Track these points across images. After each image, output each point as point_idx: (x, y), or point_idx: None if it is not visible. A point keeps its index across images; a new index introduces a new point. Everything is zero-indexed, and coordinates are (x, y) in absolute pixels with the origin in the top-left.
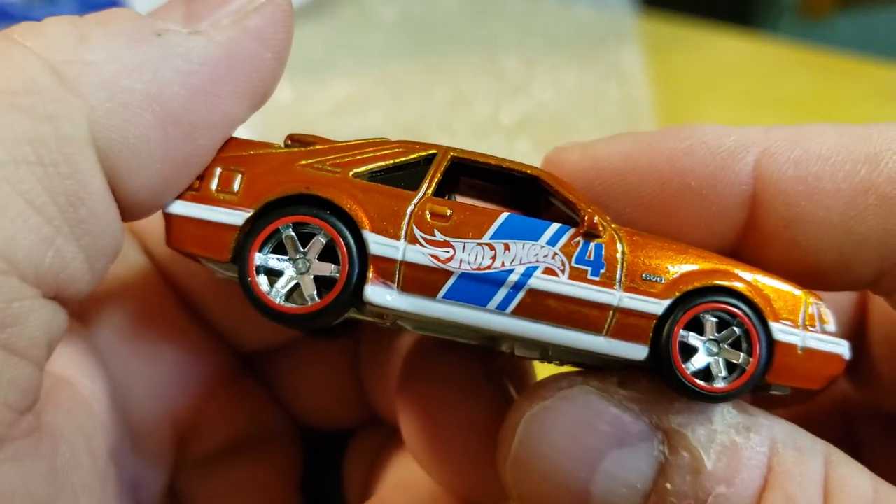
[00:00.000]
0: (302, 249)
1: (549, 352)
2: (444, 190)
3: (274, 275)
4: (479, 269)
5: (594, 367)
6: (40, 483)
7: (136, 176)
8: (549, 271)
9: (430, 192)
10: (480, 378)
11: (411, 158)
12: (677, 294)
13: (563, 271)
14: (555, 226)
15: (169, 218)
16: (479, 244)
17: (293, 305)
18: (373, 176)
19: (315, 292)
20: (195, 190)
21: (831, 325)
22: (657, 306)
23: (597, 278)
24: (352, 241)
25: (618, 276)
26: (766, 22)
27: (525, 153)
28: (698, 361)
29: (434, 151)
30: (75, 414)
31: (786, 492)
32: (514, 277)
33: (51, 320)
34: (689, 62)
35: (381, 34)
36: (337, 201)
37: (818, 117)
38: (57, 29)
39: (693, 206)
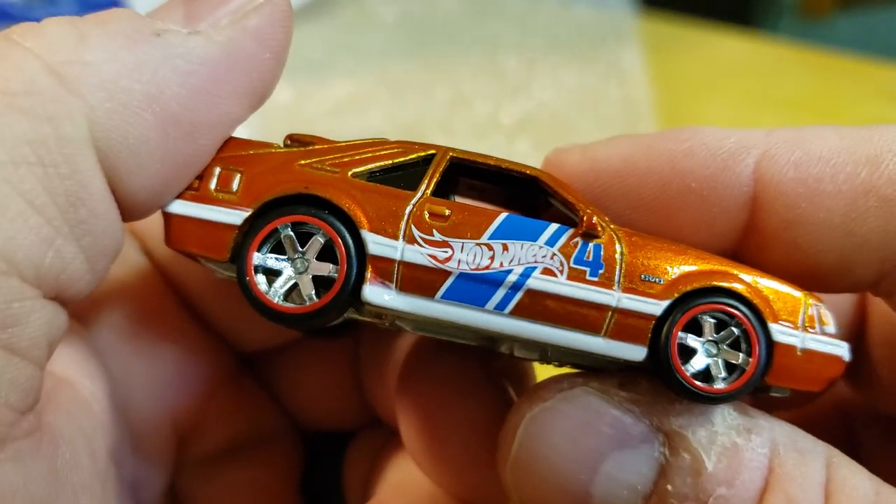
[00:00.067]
0: (300, 249)
1: (548, 353)
2: (444, 190)
3: (272, 274)
4: (477, 269)
5: (594, 369)
6: (41, 483)
7: (135, 176)
8: (547, 272)
9: (428, 192)
10: (480, 379)
11: (410, 159)
12: (676, 295)
13: (561, 272)
14: (553, 226)
15: (168, 217)
16: (478, 244)
17: (291, 305)
18: (372, 176)
19: (313, 292)
20: (194, 190)
21: (831, 327)
22: (656, 307)
23: (595, 279)
24: (350, 241)
25: (616, 277)
26: (766, 22)
27: (525, 153)
28: (697, 363)
29: (433, 152)
30: (76, 414)
31: (787, 493)
32: (512, 278)
33: (51, 320)
34: (689, 62)
35: (381, 34)
36: (336, 201)
37: (818, 117)
38: (56, 29)
39: (693, 207)
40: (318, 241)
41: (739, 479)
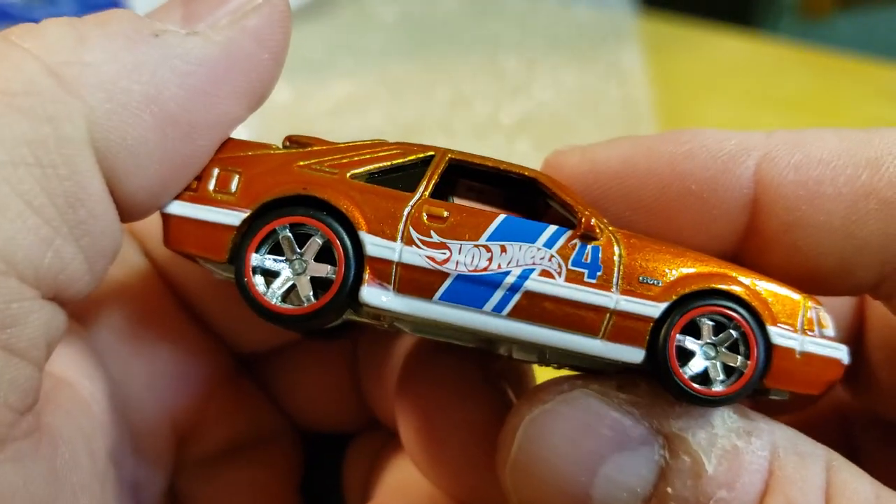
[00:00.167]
0: (299, 250)
1: (547, 355)
2: (443, 192)
3: (270, 275)
4: (475, 270)
5: (592, 371)
6: (40, 483)
7: (134, 177)
8: (545, 273)
9: (426, 193)
10: (478, 381)
11: (409, 160)
12: (674, 297)
13: (559, 273)
14: (552, 228)
15: (166, 218)
16: (476, 246)
17: (289, 306)
18: (370, 177)
19: (311, 293)
20: (193, 190)
21: (830, 330)
22: (654, 309)
23: (593, 281)
24: (348, 243)
25: (614, 279)
26: (766, 22)
27: (525, 153)
28: (696, 365)
29: (432, 153)
30: (75, 415)
31: (787, 496)
32: (510, 279)
33: (50, 321)
34: (689, 62)
35: (381, 34)
36: (334, 202)
37: (818, 117)
38: (55, 30)
39: (693, 209)
40: (317, 242)
41: (740, 482)
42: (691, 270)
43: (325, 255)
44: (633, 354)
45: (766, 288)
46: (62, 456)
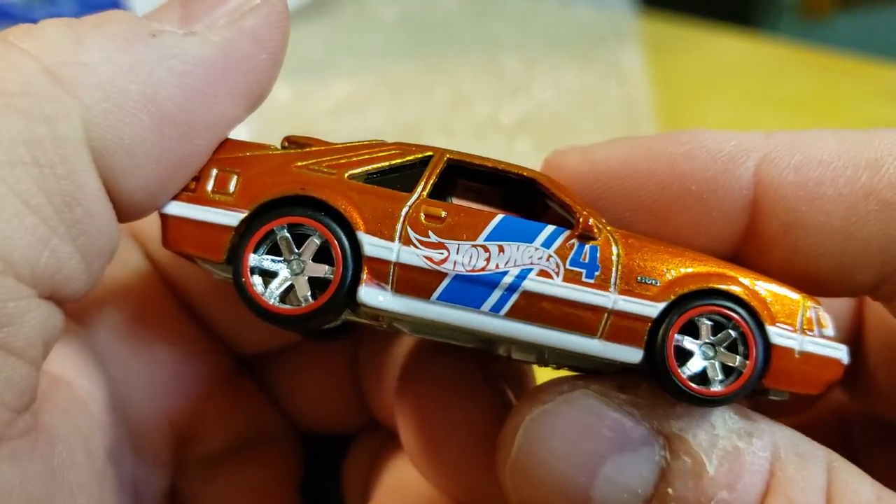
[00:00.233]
0: (297, 250)
1: (546, 355)
2: (441, 192)
3: (268, 276)
4: (473, 270)
5: (591, 371)
6: (37, 482)
7: (131, 176)
8: (543, 273)
9: (424, 193)
10: (478, 381)
11: (407, 160)
12: (672, 297)
13: (557, 273)
14: (550, 228)
15: (165, 219)
16: (474, 246)
17: (287, 306)
18: (368, 178)
19: (309, 293)
20: (191, 191)
21: (829, 330)
22: (652, 309)
23: (591, 281)
24: (346, 243)
25: (613, 279)
26: (766, 22)
27: (525, 153)
28: (694, 365)
29: (430, 154)
30: (72, 414)
31: (788, 497)
32: (508, 279)
33: (47, 320)
34: (689, 62)
35: (381, 34)
36: (332, 202)
37: (818, 117)
38: (53, 31)
39: (693, 210)
40: (315, 242)
41: (741, 483)
42: (689, 270)
43: (323, 256)
44: (632, 354)
45: (765, 287)
46: (59, 455)
